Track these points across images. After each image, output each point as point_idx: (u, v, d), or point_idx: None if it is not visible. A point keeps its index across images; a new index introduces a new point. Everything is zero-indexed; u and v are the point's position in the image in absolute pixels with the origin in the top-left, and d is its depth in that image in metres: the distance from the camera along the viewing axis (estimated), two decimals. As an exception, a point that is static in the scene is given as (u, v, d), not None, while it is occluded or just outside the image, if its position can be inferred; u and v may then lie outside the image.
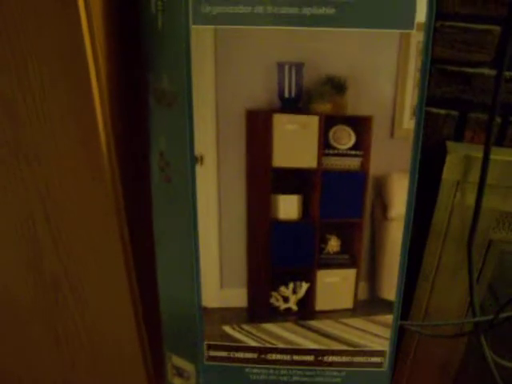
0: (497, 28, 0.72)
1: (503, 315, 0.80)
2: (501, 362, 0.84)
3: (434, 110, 0.79)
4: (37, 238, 0.67)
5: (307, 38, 0.56)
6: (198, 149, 0.61)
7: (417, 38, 0.56)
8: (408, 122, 0.59)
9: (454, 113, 0.79)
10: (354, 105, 0.59)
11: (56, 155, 0.61)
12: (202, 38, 0.56)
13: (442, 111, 0.79)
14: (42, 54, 0.54)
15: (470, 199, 0.78)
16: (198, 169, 0.61)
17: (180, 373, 0.75)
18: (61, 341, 0.78)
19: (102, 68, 0.57)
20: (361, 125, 0.60)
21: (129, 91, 0.65)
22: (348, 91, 0.58)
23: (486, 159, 0.74)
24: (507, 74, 0.75)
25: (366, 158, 0.62)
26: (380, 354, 0.70)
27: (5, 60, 0.55)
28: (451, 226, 0.82)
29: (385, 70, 0.58)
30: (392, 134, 0.60)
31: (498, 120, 0.78)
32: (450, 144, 0.79)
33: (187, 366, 0.74)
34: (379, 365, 0.71)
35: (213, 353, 0.71)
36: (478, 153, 0.76)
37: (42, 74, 0.55)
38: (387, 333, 0.69)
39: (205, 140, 0.60)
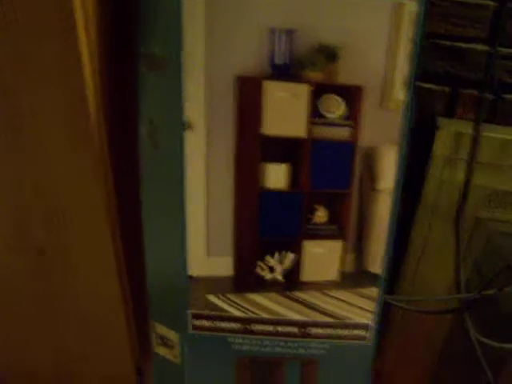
0: (492, 3, 0.72)
1: (487, 293, 0.80)
2: (483, 339, 0.85)
3: (426, 85, 0.78)
4: (24, 205, 0.66)
5: (301, 4, 0.56)
6: (187, 115, 0.60)
7: (410, 8, 0.56)
8: (398, 93, 0.59)
9: (446, 88, 0.79)
10: (345, 74, 0.59)
11: (45, 126, 0.60)
12: (194, 3, 0.55)
13: (434, 86, 0.79)
14: (33, 21, 0.53)
15: (460, 176, 0.78)
16: (187, 135, 0.61)
17: (165, 342, 0.75)
18: (48, 310, 0.78)
19: (92, 37, 0.56)
20: (351, 94, 0.60)
21: (118, 58, 0.64)
22: (340, 60, 0.58)
23: (476, 137, 0.74)
24: (500, 50, 0.74)
25: (355, 128, 0.61)
26: (364, 327, 0.70)
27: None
28: (440, 201, 0.82)
29: (377, 39, 0.58)
30: (382, 105, 0.60)
31: (490, 97, 0.78)
32: (440, 120, 0.79)
33: (172, 335, 0.74)
34: (363, 338, 0.71)
35: (197, 322, 0.71)
36: (468, 129, 0.76)
37: (31, 43, 0.55)
38: (372, 306, 0.69)
39: (194, 106, 0.60)
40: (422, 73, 0.76)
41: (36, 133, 0.60)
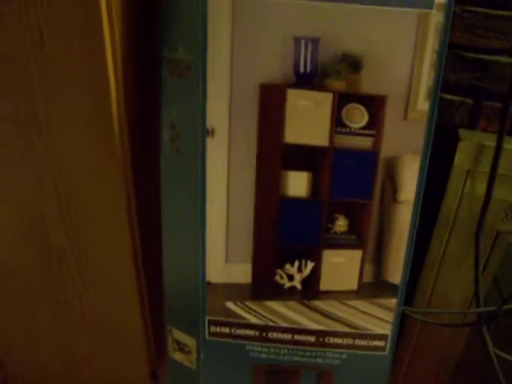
0: (517, 15, 0.72)
1: (506, 307, 0.79)
2: (502, 354, 0.84)
3: (448, 96, 0.78)
4: (44, 205, 0.67)
5: (325, 13, 0.56)
6: (210, 121, 0.60)
7: (436, 18, 0.55)
8: (422, 104, 0.59)
9: (469, 100, 0.78)
10: (369, 83, 0.59)
11: (68, 125, 0.60)
12: (219, 8, 0.56)
13: (456, 98, 0.78)
14: (58, 20, 0.54)
15: (480, 188, 0.78)
16: (209, 141, 0.61)
17: (181, 347, 0.75)
18: (63, 312, 0.78)
19: (117, 38, 0.57)
20: (374, 104, 0.60)
21: (142, 61, 0.65)
22: (363, 69, 0.58)
23: (498, 149, 0.73)
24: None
25: (378, 138, 0.61)
26: (382, 337, 0.70)
27: (20, 32, 0.55)
28: (459, 214, 0.81)
29: (402, 49, 0.57)
30: (405, 115, 0.60)
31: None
32: (462, 131, 0.79)
33: (188, 341, 0.74)
34: (381, 348, 0.71)
35: (214, 328, 0.71)
36: (490, 141, 0.75)
37: (56, 45, 0.55)
38: (390, 317, 0.69)
39: (217, 112, 0.60)
40: (444, 84, 0.76)
41: (59, 133, 0.61)
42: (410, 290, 0.88)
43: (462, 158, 0.77)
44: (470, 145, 0.76)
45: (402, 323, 0.88)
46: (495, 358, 0.82)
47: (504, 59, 0.75)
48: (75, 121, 0.60)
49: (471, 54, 0.75)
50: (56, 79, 0.57)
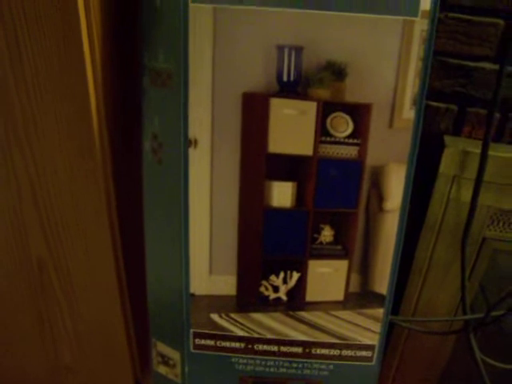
0: (500, 21, 0.71)
1: (493, 314, 0.79)
2: (489, 360, 0.84)
3: (433, 103, 0.78)
4: (24, 219, 0.65)
5: (308, 21, 0.55)
6: (192, 131, 0.59)
7: (421, 26, 0.55)
8: (408, 112, 0.58)
9: (453, 107, 0.78)
10: (354, 92, 0.58)
11: (47, 137, 0.59)
12: (201, 17, 0.55)
13: (442, 105, 0.78)
14: (36, 32, 0.53)
15: (466, 195, 0.77)
16: (192, 152, 0.60)
17: (165, 360, 0.74)
18: (45, 326, 0.77)
19: (96, 49, 0.56)
20: (359, 112, 0.59)
21: (123, 72, 0.64)
22: (348, 78, 0.57)
23: (484, 155, 0.73)
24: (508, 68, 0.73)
25: (363, 146, 0.60)
26: (369, 348, 0.69)
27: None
28: (445, 221, 0.81)
29: (386, 57, 0.57)
30: (391, 124, 0.59)
31: (497, 116, 0.77)
32: (447, 138, 0.78)
33: (173, 354, 0.72)
34: (368, 359, 0.70)
35: (199, 341, 0.70)
36: (475, 148, 0.75)
37: (34, 54, 0.54)
38: (377, 327, 0.68)
39: (199, 123, 0.59)
40: (429, 91, 0.76)
41: (38, 145, 0.60)
42: (396, 297, 0.88)
43: (447, 164, 0.77)
44: (456, 151, 0.76)
45: (389, 331, 0.87)
46: (482, 364, 0.82)
47: (488, 66, 0.74)
48: (54, 132, 0.59)
49: (455, 61, 0.75)
50: (35, 92, 0.56)
